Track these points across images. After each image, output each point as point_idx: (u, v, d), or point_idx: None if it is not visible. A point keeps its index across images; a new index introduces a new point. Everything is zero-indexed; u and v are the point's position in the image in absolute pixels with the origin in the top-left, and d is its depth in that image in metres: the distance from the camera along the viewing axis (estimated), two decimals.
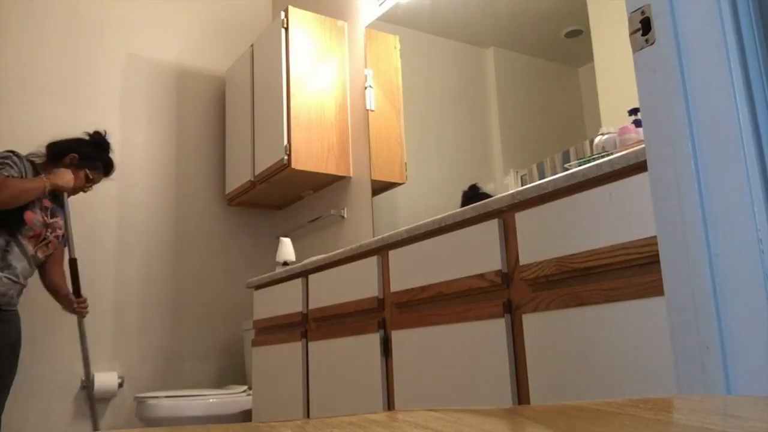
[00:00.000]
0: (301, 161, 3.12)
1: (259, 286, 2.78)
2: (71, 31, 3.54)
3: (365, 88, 3.17)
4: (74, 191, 2.55)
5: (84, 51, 3.55)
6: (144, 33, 3.76)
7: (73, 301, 2.60)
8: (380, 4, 3.15)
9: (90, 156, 2.58)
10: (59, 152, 2.55)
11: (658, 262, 1.00)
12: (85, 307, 2.65)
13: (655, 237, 1.01)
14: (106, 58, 3.60)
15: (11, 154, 2.38)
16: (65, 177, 2.44)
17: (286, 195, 3.63)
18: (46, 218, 2.42)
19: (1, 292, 2.27)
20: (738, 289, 0.88)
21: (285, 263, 3.10)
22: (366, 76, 3.18)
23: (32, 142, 3.31)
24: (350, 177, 3.25)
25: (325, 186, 3.43)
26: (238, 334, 3.66)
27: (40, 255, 2.43)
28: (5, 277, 2.27)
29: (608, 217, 1.28)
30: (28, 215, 2.33)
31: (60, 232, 2.53)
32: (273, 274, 2.64)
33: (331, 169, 3.21)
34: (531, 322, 1.44)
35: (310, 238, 3.56)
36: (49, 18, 3.49)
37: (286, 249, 3.15)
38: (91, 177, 2.57)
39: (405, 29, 3.01)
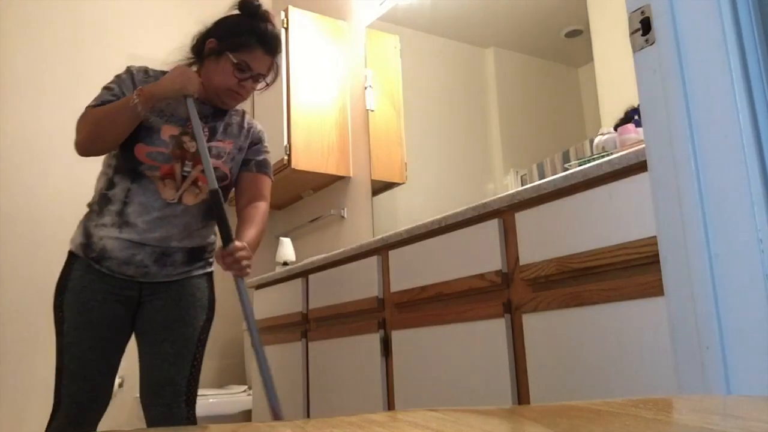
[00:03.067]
0: (301, 161, 3.12)
1: (259, 286, 2.78)
2: (71, 32, 3.54)
3: (365, 88, 3.17)
4: (221, 92, 1.69)
5: (84, 51, 3.55)
6: (144, 33, 3.76)
7: (221, 253, 1.59)
8: (380, 4, 3.15)
9: (232, 32, 1.69)
10: (198, 46, 1.76)
11: (658, 262, 1.00)
12: (242, 259, 1.58)
13: (655, 237, 1.01)
14: (106, 58, 3.60)
15: (124, 73, 1.70)
16: (169, 80, 1.62)
17: (286, 195, 3.63)
18: (184, 146, 1.63)
19: (120, 258, 1.59)
20: (738, 289, 0.88)
21: (285, 263, 3.11)
22: (366, 76, 3.18)
23: (32, 142, 3.31)
24: (350, 177, 3.25)
25: (325, 186, 3.43)
26: (238, 334, 3.66)
27: (189, 201, 1.64)
28: (123, 238, 1.58)
29: (608, 217, 1.28)
30: (139, 149, 1.60)
31: (221, 164, 1.68)
32: (273, 274, 2.64)
33: (331, 169, 3.21)
34: (531, 322, 1.44)
35: (310, 238, 3.56)
36: (49, 18, 3.49)
37: (286, 249, 3.15)
38: (236, 62, 1.66)
39: (405, 29, 3.01)
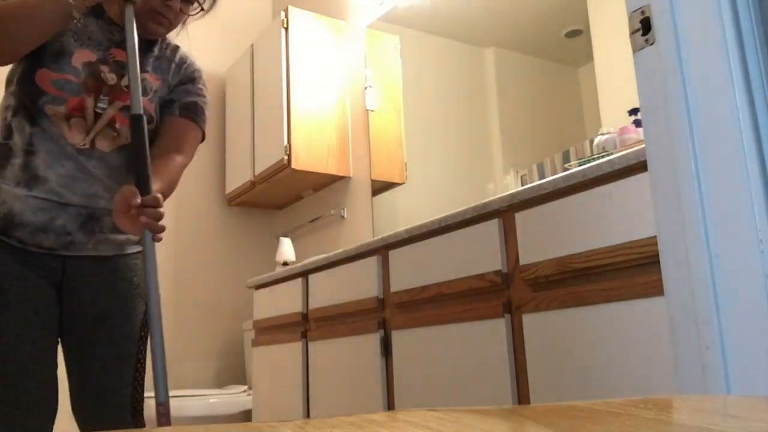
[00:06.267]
0: (301, 161, 3.12)
1: (259, 286, 2.78)
2: None
3: (365, 88, 3.17)
4: (143, 14, 1.32)
5: None
6: None
7: (135, 202, 1.16)
8: (380, 4, 3.15)
9: None
10: None
11: (658, 262, 1.00)
12: (160, 216, 1.20)
13: (655, 237, 1.01)
14: None
15: None
16: None
17: (286, 195, 3.63)
18: (101, 76, 1.29)
19: (35, 224, 1.23)
20: (738, 289, 0.88)
21: (285, 263, 3.11)
22: (366, 76, 3.18)
23: None
24: (350, 177, 3.25)
25: (325, 186, 3.43)
26: (238, 334, 3.66)
27: (103, 147, 1.29)
28: (33, 197, 1.23)
29: (608, 217, 1.28)
30: (42, 76, 1.24)
31: (146, 102, 1.35)
32: (273, 274, 2.64)
33: (331, 169, 3.21)
34: (531, 322, 1.44)
35: (310, 238, 3.56)
36: None
37: (286, 249, 3.15)
38: None
39: (405, 29, 3.01)
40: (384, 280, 1.96)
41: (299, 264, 2.45)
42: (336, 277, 2.19)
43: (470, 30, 2.63)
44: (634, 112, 1.78)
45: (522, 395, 1.47)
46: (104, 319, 1.31)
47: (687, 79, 0.96)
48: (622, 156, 1.26)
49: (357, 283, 2.06)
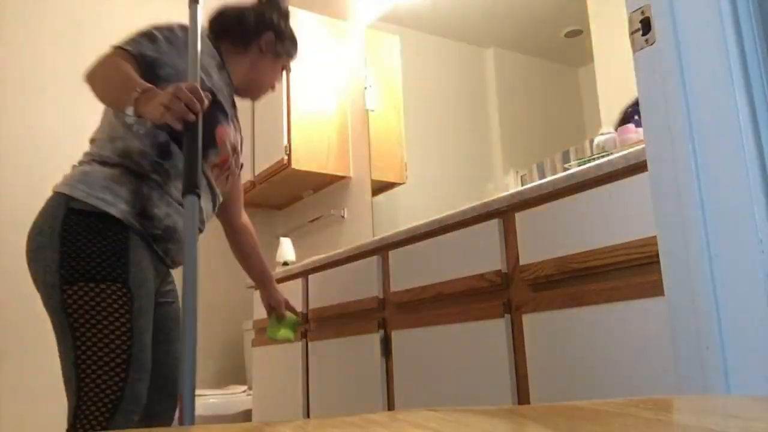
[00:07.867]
0: (301, 161, 3.12)
1: None
2: (72, 31, 3.54)
3: (365, 88, 3.17)
4: (262, 88, 1.60)
5: (84, 51, 3.55)
6: None
7: (277, 301, 1.84)
8: (380, 4, 3.15)
9: (289, 36, 1.59)
10: (249, 30, 1.53)
11: (658, 262, 1.00)
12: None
13: (655, 237, 1.01)
14: None
15: (167, 27, 1.48)
16: (159, 104, 1.16)
17: (286, 195, 3.63)
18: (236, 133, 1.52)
19: (181, 244, 1.36)
20: (738, 289, 0.88)
21: (285, 263, 3.11)
22: (366, 76, 3.18)
23: (31, 142, 3.31)
24: (350, 177, 3.25)
25: (325, 186, 3.43)
26: (238, 334, 3.66)
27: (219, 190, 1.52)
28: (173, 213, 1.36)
29: (608, 217, 1.28)
30: (222, 132, 1.41)
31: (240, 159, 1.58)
32: (273, 274, 2.64)
33: (331, 169, 3.21)
34: (531, 322, 1.44)
35: (310, 238, 3.56)
36: (49, 18, 3.50)
37: (286, 249, 3.15)
38: (288, 67, 1.66)
39: (405, 29, 3.01)
40: (384, 280, 1.96)
41: (299, 264, 2.45)
42: (336, 277, 2.19)
43: (470, 30, 2.63)
44: (633, 111, 1.78)
45: (522, 395, 1.47)
46: (178, 321, 1.49)
47: (687, 79, 0.96)
48: (622, 156, 1.26)
49: (357, 283, 2.06)
